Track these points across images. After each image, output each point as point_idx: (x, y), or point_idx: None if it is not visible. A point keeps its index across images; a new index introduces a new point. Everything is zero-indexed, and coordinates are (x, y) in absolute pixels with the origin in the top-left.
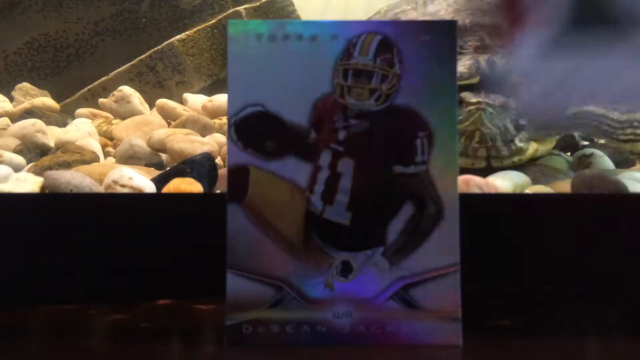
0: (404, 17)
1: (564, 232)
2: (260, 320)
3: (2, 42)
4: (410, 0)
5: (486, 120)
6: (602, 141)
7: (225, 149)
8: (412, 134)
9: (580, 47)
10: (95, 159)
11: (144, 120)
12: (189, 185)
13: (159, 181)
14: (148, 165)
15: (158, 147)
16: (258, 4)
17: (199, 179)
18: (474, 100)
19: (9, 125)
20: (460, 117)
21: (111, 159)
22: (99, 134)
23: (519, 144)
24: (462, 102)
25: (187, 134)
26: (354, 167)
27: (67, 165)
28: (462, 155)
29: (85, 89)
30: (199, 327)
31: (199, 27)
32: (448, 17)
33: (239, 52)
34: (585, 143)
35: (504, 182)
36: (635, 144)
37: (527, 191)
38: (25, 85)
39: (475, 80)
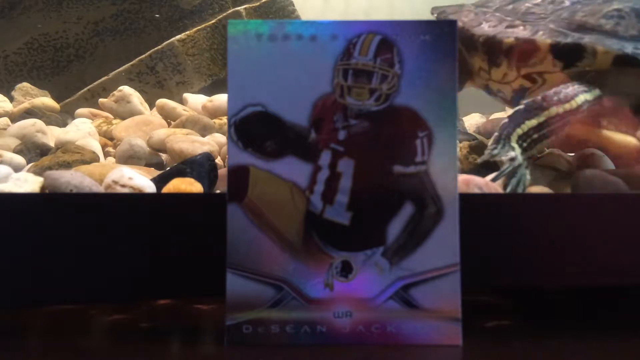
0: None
1: (564, 233)
2: (260, 320)
3: (2, 42)
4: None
5: None
6: None
7: (225, 149)
8: (412, 134)
9: None
10: (95, 159)
11: (144, 120)
12: (189, 185)
13: (159, 181)
14: (148, 165)
15: (158, 147)
16: (258, 4)
17: (199, 179)
18: None
19: (9, 125)
20: None
21: (111, 159)
22: (99, 134)
23: None
24: None
25: (187, 134)
26: (354, 167)
27: (67, 165)
28: None
29: (85, 89)
30: (199, 327)
31: (199, 27)
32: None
33: (239, 52)
34: None
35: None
36: None
37: (527, 191)
38: (25, 85)
39: None
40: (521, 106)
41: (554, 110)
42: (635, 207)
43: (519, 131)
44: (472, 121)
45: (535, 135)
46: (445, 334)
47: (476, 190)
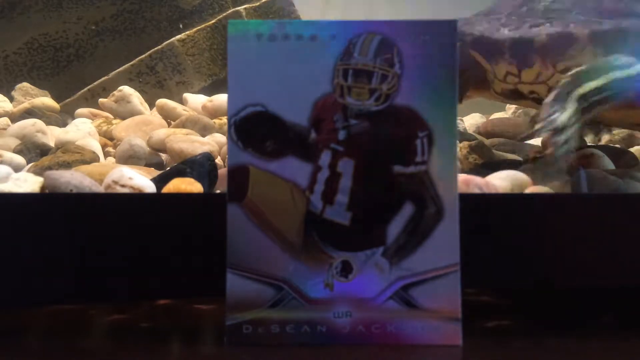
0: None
1: (563, 233)
2: (260, 320)
3: (2, 42)
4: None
5: None
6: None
7: (225, 149)
8: (412, 134)
9: None
10: (95, 159)
11: (144, 120)
12: (189, 185)
13: (159, 181)
14: (148, 165)
15: (158, 147)
16: (258, 4)
17: (199, 179)
18: None
19: (9, 125)
20: None
21: (111, 159)
22: (99, 134)
23: None
24: None
25: (187, 134)
26: (354, 167)
27: (67, 165)
28: None
29: (85, 89)
30: (199, 327)
31: (199, 27)
32: None
33: (239, 52)
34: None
35: (503, 182)
36: None
37: (527, 191)
38: (25, 85)
39: None
40: (583, 67)
41: (614, 74)
42: (635, 207)
43: (580, 91)
44: (472, 121)
45: (596, 98)
46: (445, 334)
47: (476, 190)
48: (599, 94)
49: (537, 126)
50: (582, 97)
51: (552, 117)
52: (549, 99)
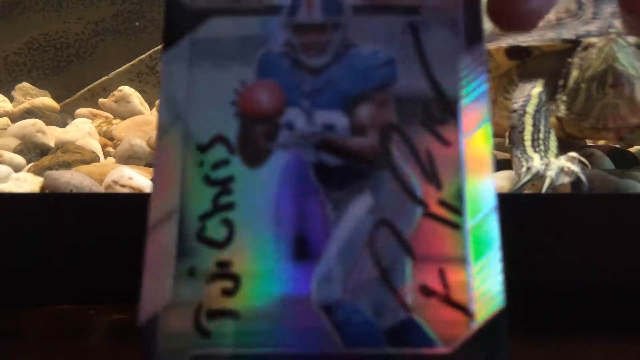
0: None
1: (563, 233)
2: None
3: (2, 42)
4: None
5: (620, 55)
6: (601, 141)
7: None
8: None
9: None
10: (95, 159)
11: (144, 120)
12: None
13: None
14: (148, 165)
15: None
16: None
17: None
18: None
19: (9, 125)
20: (581, 64)
21: (111, 159)
22: (99, 134)
23: None
24: (586, 47)
25: None
26: None
27: (67, 165)
28: (580, 118)
29: (85, 89)
30: None
31: None
32: None
33: None
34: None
35: (502, 182)
36: None
37: (527, 191)
38: (25, 85)
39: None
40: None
41: (529, 110)
42: (635, 207)
43: (526, 141)
44: None
45: (541, 135)
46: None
47: None
48: (537, 132)
49: (520, 182)
50: (533, 144)
51: (525, 166)
52: (513, 151)
